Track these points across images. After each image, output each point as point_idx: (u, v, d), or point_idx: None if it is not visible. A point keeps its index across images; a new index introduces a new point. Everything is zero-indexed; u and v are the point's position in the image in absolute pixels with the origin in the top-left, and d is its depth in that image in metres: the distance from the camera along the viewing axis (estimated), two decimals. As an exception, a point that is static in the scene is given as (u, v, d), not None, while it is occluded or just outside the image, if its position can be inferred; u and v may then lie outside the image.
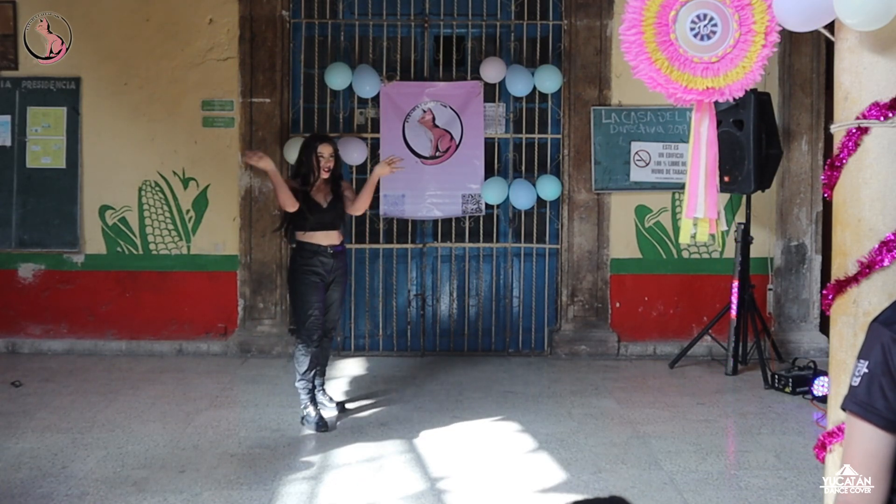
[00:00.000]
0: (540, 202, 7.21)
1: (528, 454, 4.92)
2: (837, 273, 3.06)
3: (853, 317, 2.99)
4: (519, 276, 7.38)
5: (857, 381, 1.79)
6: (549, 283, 7.40)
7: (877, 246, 2.91)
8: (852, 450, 1.79)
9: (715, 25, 3.31)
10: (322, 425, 5.24)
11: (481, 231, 7.38)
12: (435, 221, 7.31)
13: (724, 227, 6.99)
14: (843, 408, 1.81)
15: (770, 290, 7.28)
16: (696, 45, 3.33)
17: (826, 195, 3.17)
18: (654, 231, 7.28)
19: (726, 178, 6.34)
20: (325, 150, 5.41)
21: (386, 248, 7.33)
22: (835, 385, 3.10)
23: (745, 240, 6.63)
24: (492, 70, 7.07)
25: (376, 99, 7.20)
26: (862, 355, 1.80)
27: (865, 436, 1.76)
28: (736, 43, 3.31)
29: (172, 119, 7.14)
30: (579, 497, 1.57)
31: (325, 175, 5.40)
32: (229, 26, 7.12)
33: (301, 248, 5.41)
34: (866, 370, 1.78)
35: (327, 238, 5.42)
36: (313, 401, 5.36)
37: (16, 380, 6.22)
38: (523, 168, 7.31)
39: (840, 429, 2.99)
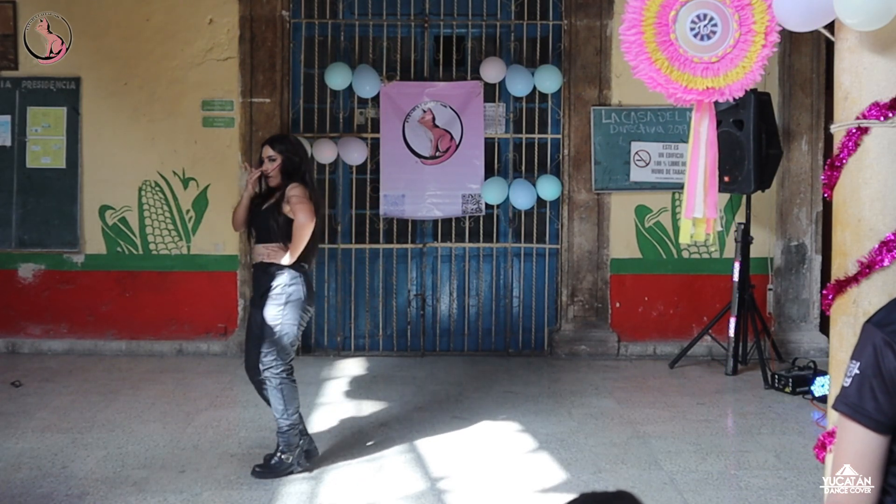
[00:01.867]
0: (540, 202, 7.21)
1: (528, 454, 4.92)
2: (837, 273, 3.06)
3: (853, 317, 2.99)
4: (519, 276, 7.38)
5: (848, 382, 1.79)
6: (549, 283, 7.40)
7: (877, 246, 2.91)
8: (843, 450, 1.79)
9: (715, 25, 3.31)
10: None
11: (481, 231, 7.38)
12: (435, 221, 7.31)
13: (720, 228, 6.99)
14: (834, 408, 1.82)
15: (770, 290, 7.27)
16: (696, 45, 3.33)
17: (826, 195, 3.17)
18: (654, 231, 7.28)
19: (726, 178, 6.34)
20: (264, 152, 4.65)
21: (386, 248, 7.33)
22: (835, 385, 3.10)
23: (745, 240, 6.62)
24: (492, 70, 7.07)
25: (376, 99, 7.20)
26: (854, 356, 1.80)
27: (856, 437, 1.76)
28: (736, 43, 3.30)
29: (172, 119, 7.14)
30: (585, 493, 1.57)
31: (270, 182, 4.65)
32: (229, 26, 7.12)
33: None
34: (857, 371, 1.78)
35: (256, 252, 4.63)
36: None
37: (16, 380, 6.22)
38: (523, 168, 7.31)
39: (840, 429, 2.99)
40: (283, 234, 4.52)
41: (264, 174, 4.64)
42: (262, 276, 4.56)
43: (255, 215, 4.63)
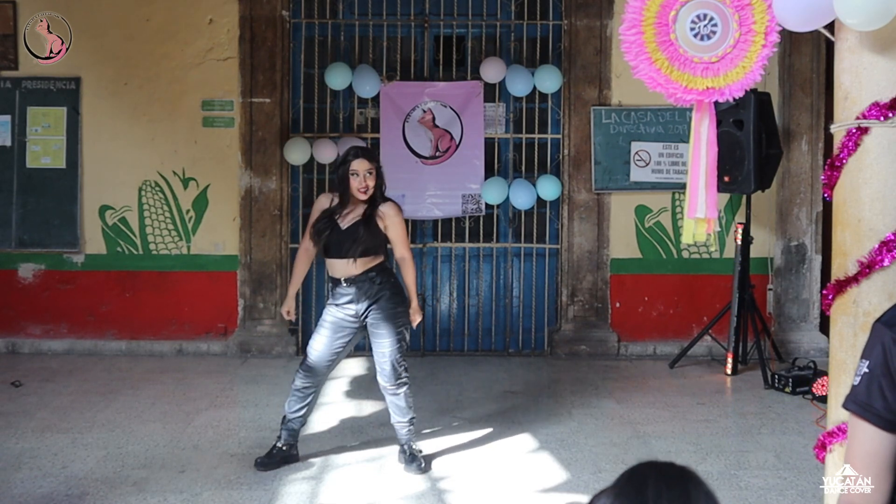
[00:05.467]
0: (540, 202, 7.21)
1: (528, 454, 4.92)
2: (837, 273, 3.06)
3: (853, 317, 2.99)
4: (519, 276, 7.38)
5: (857, 381, 1.80)
6: (549, 283, 7.40)
7: (877, 246, 2.91)
8: (853, 449, 1.79)
9: (715, 25, 3.31)
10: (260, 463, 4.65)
11: (481, 231, 7.38)
12: (435, 221, 7.31)
13: (717, 229, 6.99)
14: (844, 406, 1.82)
15: (770, 290, 7.28)
16: (696, 45, 3.33)
17: (826, 195, 3.17)
18: (654, 231, 7.28)
19: (726, 178, 6.34)
20: (360, 167, 4.50)
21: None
22: (835, 385, 3.10)
23: (745, 240, 6.62)
24: (492, 70, 7.07)
25: (376, 99, 7.20)
26: (864, 355, 1.81)
27: (865, 435, 1.77)
28: (736, 43, 3.31)
29: (172, 119, 7.14)
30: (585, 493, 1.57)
31: (361, 196, 4.53)
32: (229, 26, 7.12)
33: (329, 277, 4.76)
34: (867, 370, 1.78)
35: (344, 268, 4.54)
36: (286, 434, 4.72)
37: (16, 380, 6.22)
38: (523, 168, 7.31)
39: (840, 429, 2.99)
40: (375, 246, 4.57)
41: (360, 189, 4.53)
42: (364, 284, 4.56)
43: (339, 230, 4.55)
